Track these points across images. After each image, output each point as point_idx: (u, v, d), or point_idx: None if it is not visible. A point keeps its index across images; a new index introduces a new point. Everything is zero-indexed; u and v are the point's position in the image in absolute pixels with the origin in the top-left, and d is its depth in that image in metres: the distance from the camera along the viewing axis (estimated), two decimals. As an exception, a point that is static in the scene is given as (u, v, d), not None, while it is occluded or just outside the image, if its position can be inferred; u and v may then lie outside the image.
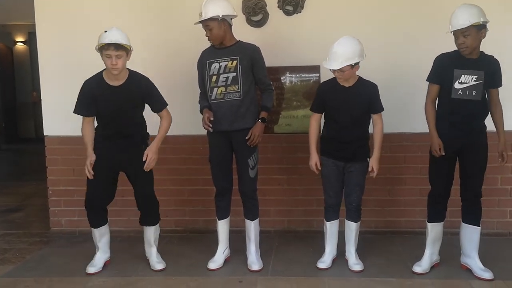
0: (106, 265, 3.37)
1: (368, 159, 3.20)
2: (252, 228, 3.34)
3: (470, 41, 2.89)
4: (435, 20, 3.75)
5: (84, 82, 3.18)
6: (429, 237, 3.19)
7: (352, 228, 3.25)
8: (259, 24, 3.90)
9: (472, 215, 3.11)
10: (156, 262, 3.34)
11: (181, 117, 3.86)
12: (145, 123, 3.30)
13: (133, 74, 3.17)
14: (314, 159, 3.22)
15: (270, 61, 3.84)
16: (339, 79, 3.10)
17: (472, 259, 3.13)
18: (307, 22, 3.87)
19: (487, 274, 3.05)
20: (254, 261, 3.29)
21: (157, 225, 3.38)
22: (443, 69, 3.03)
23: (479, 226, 3.11)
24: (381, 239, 3.82)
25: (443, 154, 3.03)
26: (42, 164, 4.26)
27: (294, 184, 4.00)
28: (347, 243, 3.29)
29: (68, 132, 3.93)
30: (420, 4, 3.80)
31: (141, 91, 3.15)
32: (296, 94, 3.97)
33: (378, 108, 3.17)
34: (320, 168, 3.22)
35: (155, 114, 3.27)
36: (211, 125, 3.16)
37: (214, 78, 3.20)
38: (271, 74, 3.89)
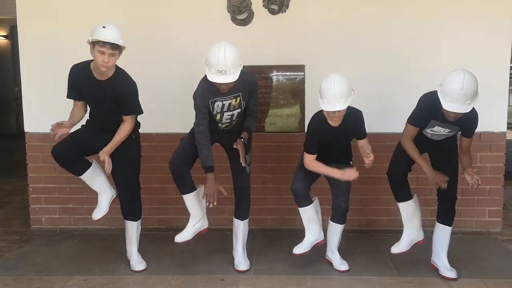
0: (114, 201, 3.26)
1: (351, 162, 3.25)
2: (241, 228, 3.31)
3: (461, 115, 2.82)
4: (417, 17, 3.82)
5: (72, 67, 3.11)
6: (403, 217, 3.21)
7: (337, 231, 3.23)
8: (244, 22, 3.90)
9: (445, 217, 3.15)
10: (137, 262, 3.31)
11: (165, 115, 3.86)
12: (136, 121, 3.21)
13: (119, 72, 3.06)
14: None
15: (254, 60, 3.86)
16: (335, 119, 3.00)
17: (440, 258, 3.17)
18: (292, 21, 3.88)
19: (451, 273, 3.09)
20: (241, 262, 3.28)
21: (139, 221, 3.35)
22: (427, 115, 2.96)
23: (451, 226, 3.16)
24: (364, 238, 3.86)
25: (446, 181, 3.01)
26: (23, 160, 4.20)
27: (278, 183, 4.01)
28: (330, 244, 3.28)
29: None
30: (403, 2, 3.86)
31: (116, 92, 3.03)
32: (282, 93, 3.98)
33: (363, 134, 3.14)
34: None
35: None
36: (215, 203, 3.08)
37: (218, 116, 3.12)
38: (256, 73, 3.90)
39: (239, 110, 3.13)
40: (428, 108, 2.93)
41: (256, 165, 3.91)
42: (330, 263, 3.30)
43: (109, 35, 2.89)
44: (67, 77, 3.11)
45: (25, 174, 4.20)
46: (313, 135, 3.12)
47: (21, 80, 4.08)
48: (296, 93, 3.95)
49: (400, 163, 3.18)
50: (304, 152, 3.15)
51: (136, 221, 3.32)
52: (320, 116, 3.09)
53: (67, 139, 3.11)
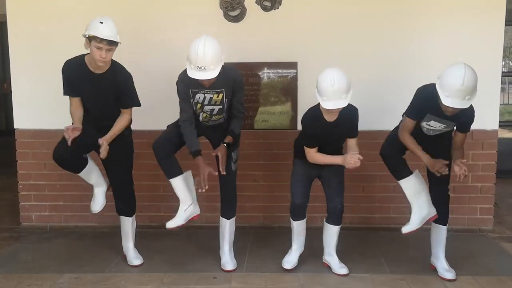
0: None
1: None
2: (227, 227, 3.28)
3: (459, 110, 2.77)
4: (411, 16, 3.82)
5: (65, 63, 3.06)
6: (408, 195, 3.09)
7: (334, 233, 3.18)
8: (236, 19, 3.88)
9: (439, 216, 3.10)
10: (134, 257, 3.31)
11: (156, 112, 3.83)
12: None
13: (115, 65, 3.06)
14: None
15: (247, 56, 3.85)
16: (333, 113, 2.94)
17: (438, 259, 3.16)
18: (285, 18, 3.86)
19: (449, 274, 3.07)
20: (227, 261, 3.24)
21: (134, 216, 3.34)
22: (424, 108, 2.90)
23: (446, 226, 3.14)
24: (356, 235, 3.86)
25: (446, 166, 2.93)
26: (12, 157, 4.16)
27: (270, 180, 4.01)
28: (327, 247, 3.23)
29: (39, 125, 3.84)
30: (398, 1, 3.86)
31: (118, 84, 3.04)
32: (273, 90, 3.97)
33: (355, 133, 3.07)
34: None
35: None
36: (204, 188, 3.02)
37: (198, 105, 3.08)
38: (248, 70, 3.90)
39: (220, 107, 3.07)
40: (425, 101, 2.88)
41: (248, 162, 3.91)
42: (328, 267, 3.23)
43: (106, 31, 2.86)
44: (61, 74, 3.05)
45: (14, 171, 4.15)
46: (309, 129, 3.05)
47: (11, 76, 4.04)
48: (288, 90, 3.94)
49: (395, 145, 3.06)
50: (305, 147, 3.07)
51: (131, 216, 3.32)
52: (314, 111, 3.03)
53: (65, 142, 3.04)
